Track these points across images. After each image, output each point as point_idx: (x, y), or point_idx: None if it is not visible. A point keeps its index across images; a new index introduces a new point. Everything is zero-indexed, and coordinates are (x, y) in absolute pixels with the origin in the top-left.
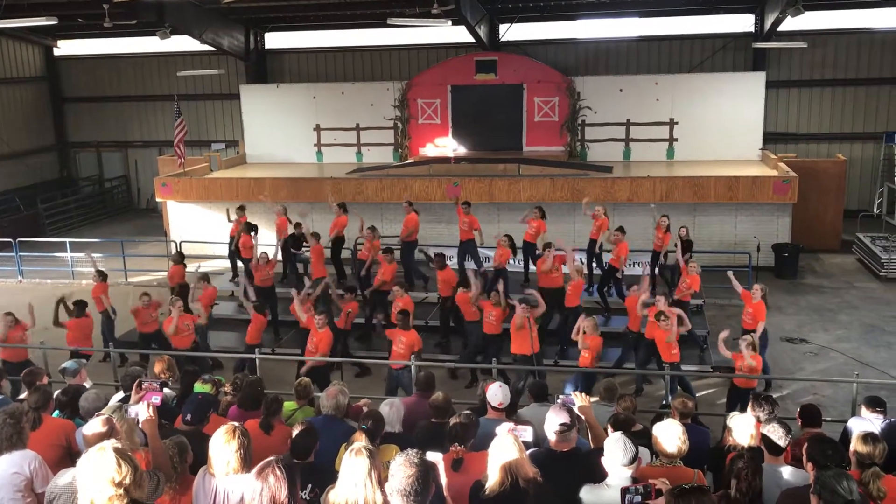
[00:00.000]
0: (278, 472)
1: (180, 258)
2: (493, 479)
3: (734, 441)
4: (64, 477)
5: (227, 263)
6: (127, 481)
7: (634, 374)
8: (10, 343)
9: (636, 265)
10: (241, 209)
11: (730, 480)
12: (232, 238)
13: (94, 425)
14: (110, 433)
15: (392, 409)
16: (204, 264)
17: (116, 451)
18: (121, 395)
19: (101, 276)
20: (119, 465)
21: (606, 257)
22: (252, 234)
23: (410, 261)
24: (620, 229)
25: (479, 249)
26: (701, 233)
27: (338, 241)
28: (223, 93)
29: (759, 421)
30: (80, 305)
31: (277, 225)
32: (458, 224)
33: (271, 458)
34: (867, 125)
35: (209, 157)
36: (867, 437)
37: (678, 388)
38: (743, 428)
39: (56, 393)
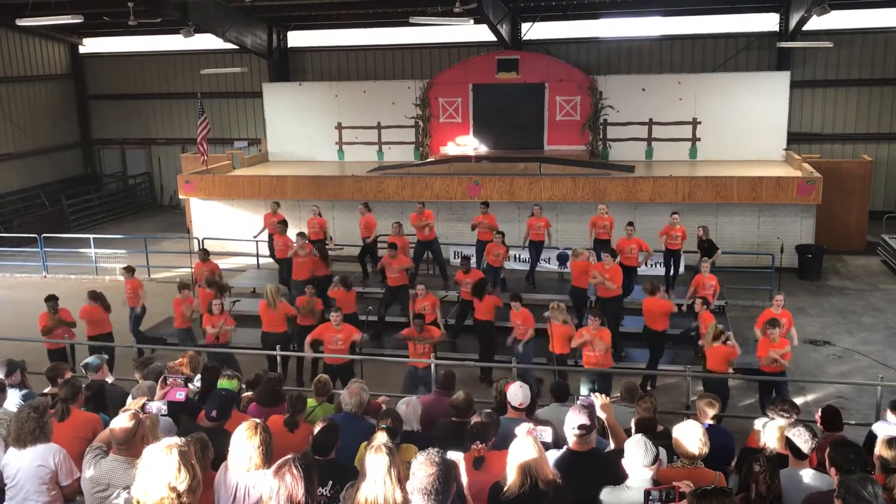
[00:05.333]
0: (295, 471)
1: (206, 255)
2: (512, 480)
3: (763, 444)
4: (89, 471)
5: (249, 261)
6: (182, 487)
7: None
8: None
9: (657, 265)
10: (277, 204)
11: (749, 483)
12: (272, 237)
13: (122, 420)
14: (137, 428)
15: (409, 408)
16: (226, 261)
17: (181, 455)
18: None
19: (131, 271)
20: (179, 470)
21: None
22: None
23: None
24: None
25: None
26: (723, 233)
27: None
28: (246, 91)
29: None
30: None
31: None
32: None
33: (289, 456)
34: (893, 126)
35: (232, 154)
36: (892, 442)
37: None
38: (772, 431)
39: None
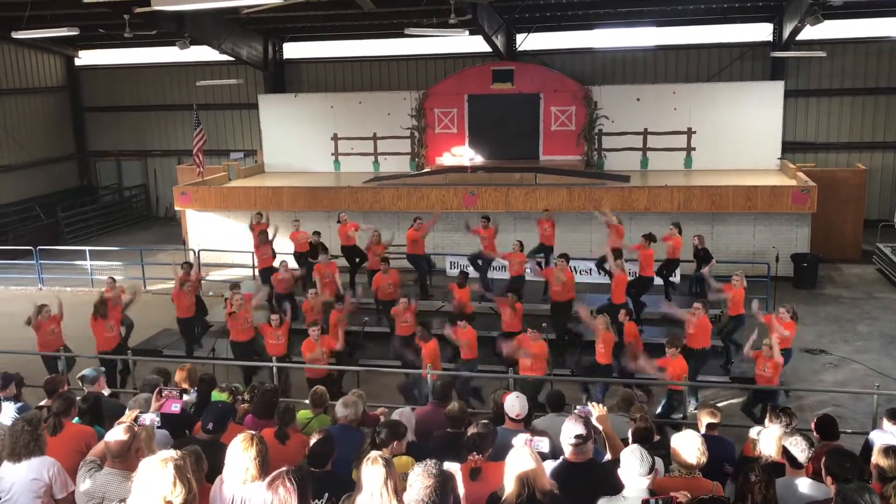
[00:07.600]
0: (288, 484)
1: (189, 267)
2: (509, 490)
3: (759, 452)
4: (84, 484)
5: (245, 272)
6: (177, 501)
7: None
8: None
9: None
10: (260, 215)
11: (745, 492)
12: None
13: (117, 433)
14: (132, 441)
15: (402, 419)
16: (221, 273)
17: (177, 468)
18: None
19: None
20: (174, 484)
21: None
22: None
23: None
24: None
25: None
26: (719, 242)
27: (345, 250)
28: (242, 102)
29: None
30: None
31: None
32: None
33: (283, 468)
34: (887, 134)
35: (228, 166)
36: (888, 450)
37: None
38: (769, 440)
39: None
